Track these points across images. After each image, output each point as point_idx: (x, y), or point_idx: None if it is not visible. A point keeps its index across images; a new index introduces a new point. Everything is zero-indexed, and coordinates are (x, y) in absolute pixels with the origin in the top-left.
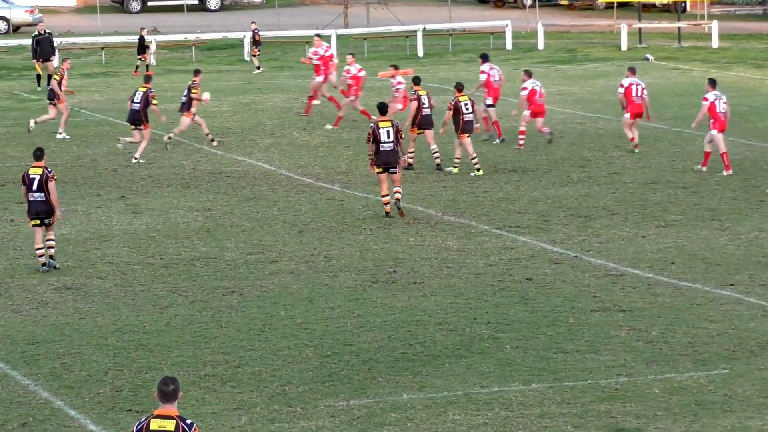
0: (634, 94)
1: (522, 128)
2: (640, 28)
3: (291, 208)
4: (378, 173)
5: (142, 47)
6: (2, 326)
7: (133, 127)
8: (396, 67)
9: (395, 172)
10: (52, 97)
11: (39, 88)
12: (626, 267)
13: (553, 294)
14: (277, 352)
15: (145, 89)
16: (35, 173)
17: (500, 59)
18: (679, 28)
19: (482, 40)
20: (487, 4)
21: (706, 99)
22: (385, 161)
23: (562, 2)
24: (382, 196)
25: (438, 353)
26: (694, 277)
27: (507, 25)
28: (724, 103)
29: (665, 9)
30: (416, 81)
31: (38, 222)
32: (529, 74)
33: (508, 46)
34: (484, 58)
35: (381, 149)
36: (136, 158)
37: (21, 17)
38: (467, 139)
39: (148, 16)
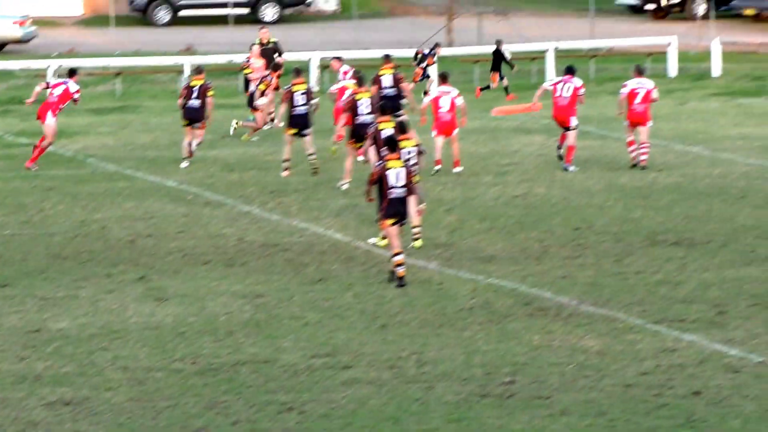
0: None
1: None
2: None
3: (371, 294)
4: (390, 225)
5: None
6: None
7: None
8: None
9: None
10: None
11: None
12: None
13: (731, 414)
14: None
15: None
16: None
17: (660, 90)
18: None
19: (636, 62)
20: (643, 15)
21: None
22: (396, 210)
23: (746, 12)
24: (394, 255)
25: None
26: None
27: (670, 44)
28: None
29: None
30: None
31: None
32: (640, 72)
33: (672, 71)
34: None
35: (389, 195)
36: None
37: (8, 31)
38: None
39: (181, 30)
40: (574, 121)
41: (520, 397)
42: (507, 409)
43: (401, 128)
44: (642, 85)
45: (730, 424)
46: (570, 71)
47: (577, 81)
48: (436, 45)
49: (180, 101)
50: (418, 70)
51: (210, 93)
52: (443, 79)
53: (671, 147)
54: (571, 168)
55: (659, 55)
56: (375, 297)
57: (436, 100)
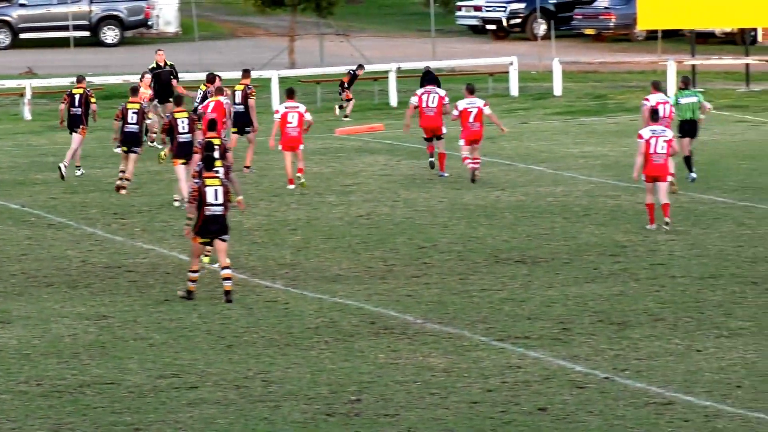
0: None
1: None
2: (693, 66)
3: (217, 315)
4: (200, 243)
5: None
6: None
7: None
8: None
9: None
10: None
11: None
12: (675, 392)
13: (577, 430)
14: None
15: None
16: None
17: (502, 109)
18: (747, 65)
19: (478, 82)
20: (484, 35)
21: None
22: (209, 229)
23: (586, 32)
24: (192, 271)
25: None
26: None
27: (512, 63)
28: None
29: (728, 40)
30: None
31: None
32: (471, 91)
33: (513, 91)
34: None
35: (205, 212)
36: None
37: None
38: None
39: (21, 53)
40: (443, 129)
41: (366, 415)
42: (353, 428)
43: (209, 147)
44: (473, 103)
45: None
46: (433, 82)
47: (440, 91)
48: (359, 66)
49: (62, 107)
50: (348, 94)
51: (93, 100)
52: (289, 95)
53: (514, 166)
54: (446, 174)
55: (501, 75)
56: (221, 317)
57: (284, 116)
